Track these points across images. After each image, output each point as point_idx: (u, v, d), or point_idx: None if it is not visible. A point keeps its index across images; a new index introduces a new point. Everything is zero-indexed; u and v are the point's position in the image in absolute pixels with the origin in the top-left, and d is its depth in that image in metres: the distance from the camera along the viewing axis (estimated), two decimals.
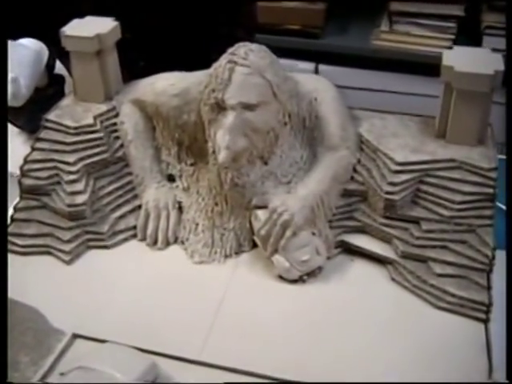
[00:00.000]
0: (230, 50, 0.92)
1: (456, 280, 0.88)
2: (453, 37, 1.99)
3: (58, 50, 1.10)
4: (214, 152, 0.94)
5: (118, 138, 1.03)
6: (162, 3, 1.26)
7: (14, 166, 1.01)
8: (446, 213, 0.90)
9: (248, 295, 0.91)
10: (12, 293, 0.87)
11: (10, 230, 0.99)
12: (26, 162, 1.01)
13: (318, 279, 0.93)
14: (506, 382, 0.74)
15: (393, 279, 0.92)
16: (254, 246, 0.97)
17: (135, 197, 1.03)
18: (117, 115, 1.04)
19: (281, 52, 0.96)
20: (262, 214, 0.93)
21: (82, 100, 1.05)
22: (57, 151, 1.00)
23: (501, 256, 0.87)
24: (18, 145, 1.23)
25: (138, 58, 1.28)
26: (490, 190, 0.89)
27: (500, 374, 0.77)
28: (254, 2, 1.53)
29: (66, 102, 1.07)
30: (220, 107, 0.91)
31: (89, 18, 1.05)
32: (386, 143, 0.95)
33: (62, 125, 1.01)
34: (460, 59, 0.92)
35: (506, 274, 0.82)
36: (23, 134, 1.29)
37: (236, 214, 0.97)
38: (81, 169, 0.99)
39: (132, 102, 1.04)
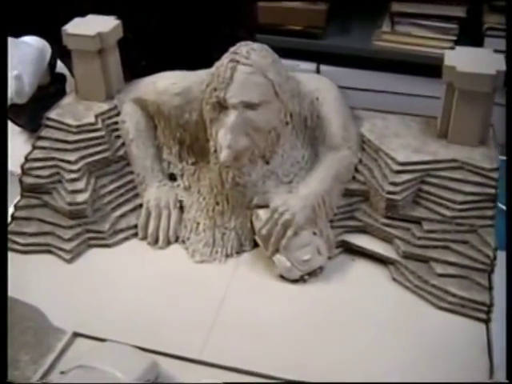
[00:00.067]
0: (232, 49, 0.92)
1: (457, 280, 0.88)
2: (454, 38, 1.99)
3: (59, 49, 1.10)
4: (215, 151, 0.94)
5: (119, 136, 1.03)
6: (163, 3, 1.26)
7: (15, 165, 1.01)
8: (447, 213, 0.90)
9: (249, 295, 0.91)
10: (12, 291, 0.87)
11: (10, 228, 0.99)
12: (27, 160, 1.00)
13: (319, 279, 0.93)
14: (506, 381, 0.74)
15: (394, 279, 0.92)
16: (255, 245, 0.97)
17: (136, 196, 1.03)
18: (118, 114, 1.04)
19: (282, 52, 0.96)
20: (263, 214, 0.93)
21: (84, 99, 1.05)
22: (58, 150, 1.00)
23: (501, 257, 0.87)
24: (19, 144, 1.23)
25: (139, 57, 1.28)
26: (492, 191, 0.89)
27: (501, 374, 0.77)
28: (254, 2, 1.53)
29: (67, 100, 1.07)
30: (222, 106, 0.91)
31: (90, 17, 1.05)
32: (388, 143, 0.95)
33: (63, 123, 1.01)
34: (462, 59, 0.92)
35: (505, 274, 0.82)
36: (24, 133, 1.29)
37: (237, 214, 0.97)
38: (82, 167, 0.99)
39: (133, 101, 1.04)
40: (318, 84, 0.98)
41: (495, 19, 1.94)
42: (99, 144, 1.00)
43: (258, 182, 0.95)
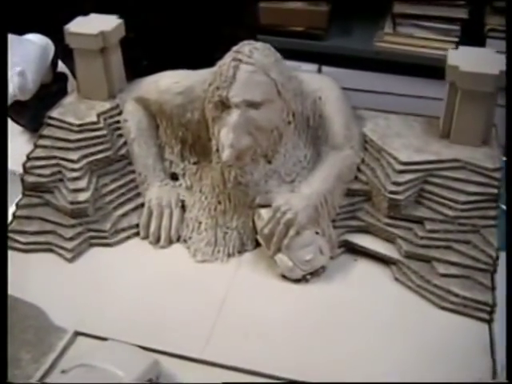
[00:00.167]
0: (235, 48, 0.92)
1: (460, 280, 0.88)
2: (456, 39, 1.98)
3: (61, 49, 1.10)
4: (217, 150, 0.94)
5: (121, 135, 1.03)
6: (164, 2, 1.26)
7: (16, 164, 1.01)
8: (450, 213, 0.90)
9: (251, 294, 0.91)
10: (14, 290, 0.86)
11: (12, 227, 0.99)
12: (28, 159, 1.00)
13: (322, 279, 0.93)
14: (506, 381, 0.74)
15: (396, 279, 0.92)
16: (257, 244, 0.97)
17: (138, 195, 1.03)
18: (120, 113, 1.04)
19: (284, 53, 0.96)
20: (265, 213, 0.93)
21: (86, 98, 1.05)
22: (60, 148, 1.00)
23: (501, 257, 0.87)
24: (20, 143, 1.23)
25: (140, 57, 1.27)
26: (495, 191, 0.89)
27: (504, 374, 0.77)
28: (255, 3, 1.53)
29: (69, 99, 1.07)
30: (224, 105, 0.91)
31: (93, 16, 1.05)
32: (390, 143, 0.95)
33: (65, 122, 1.01)
34: (465, 59, 0.92)
35: (505, 273, 0.82)
36: (26, 133, 1.28)
37: (239, 213, 0.97)
38: (84, 166, 0.99)
39: (135, 100, 1.04)
40: (321, 83, 0.98)
41: (497, 21, 1.93)
42: (101, 143, 1.00)
43: (260, 182, 0.95)
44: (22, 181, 1.01)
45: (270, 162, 0.95)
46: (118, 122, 1.03)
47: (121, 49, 1.06)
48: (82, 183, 0.98)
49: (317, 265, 0.92)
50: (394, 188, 0.91)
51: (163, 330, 0.85)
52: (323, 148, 0.97)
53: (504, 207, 0.98)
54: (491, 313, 0.85)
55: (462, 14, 1.99)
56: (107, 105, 1.04)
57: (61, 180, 0.99)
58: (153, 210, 1.00)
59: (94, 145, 1.00)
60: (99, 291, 0.91)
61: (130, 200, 1.02)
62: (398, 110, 1.04)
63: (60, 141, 1.00)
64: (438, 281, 0.88)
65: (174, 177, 1.04)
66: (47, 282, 0.94)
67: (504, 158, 0.95)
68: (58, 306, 0.88)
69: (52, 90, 1.14)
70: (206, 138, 0.99)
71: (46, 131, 1.02)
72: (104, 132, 1.00)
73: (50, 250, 0.98)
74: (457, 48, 0.99)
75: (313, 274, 0.92)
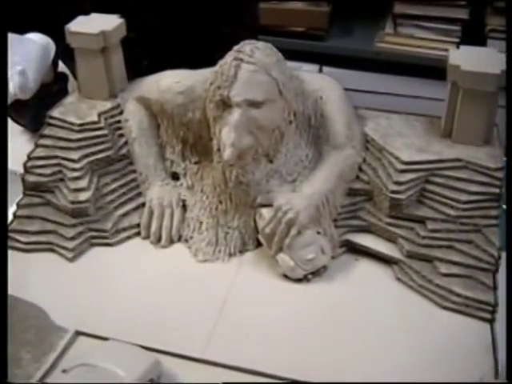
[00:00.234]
0: (236, 48, 0.91)
1: (462, 280, 0.88)
2: (457, 40, 1.98)
3: (62, 49, 1.10)
4: (218, 150, 0.94)
5: (122, 135, 1.03)
6: (165, 2, 1.26)
7: (17, 164, 1.01)
8: (451, 212, 0.90)
9: (252, 294, 0.91)
10: (14, 290, 0.86)
11: (12, 226, 0.99)
12: (29, 158, 1.00)
13: (323, 278, 0.93)
14: (506, 381, 0.74)
15: (398, 279, 0.92)
16: (259, 244, 0.96)
17: (139, 194, 1.03)
18: (121, 113, 1.04)
19: (284, 54, 0.96)
20: (266, 213, 0.93)
21: (87, 97, 1.05)
22: (61, 148, 1.00)
23: (502, 257, 0.87)
24: (21, 143, 1.23)
25: (141, 57, 1.27)
26: (496, 190, 0.89)
27: (506, 374, 0.76)
28: (256, 3, 1.53)
29: (70, 99, 1.06)
30: (225, 104, 0.91)
31: (94, 15, 1.05)
32: (392, 142, 0.94)
33: (66, 122, 1.01)
34: (466, 58, 0.92)
35: (505, 273, 0.82)
36: (26, 133, 1.28)
37: (240, 213, 0.96)
38: (85, 166, 0.98)
39: (136, 100, 1.04)
40: (322, 83, 0.98)
41: (498, 21, 1.93)
42: (102, 142, 1.00)
43: (261, 181, 0.95)
44: (23, 180, 1.00)
45: (271, 162, 0.95)
46: (119, 121, 1.03)
47: (122, 48, 1.06)
48: (83, 183, 0.98)
49: (318, 264, 0.92)
50: (395, 187, 0.91)
51: (164, 329, 0.85)
52: (325, 147, 0.96)
53: (503, 206, 0.98)
54: (493, 312, 0.85)
55: (462, 14, 1.99)
56: (108, 104, 1.03)
57: (62, 179, 0.99)
58: (154, 210, 1.00)
59: (95, 144, 1.00)
60: (100, 291, 0.91)
61: (130, 200, 1.02)
62: (398, 111, 1.04)
63: (61, 140, 1.00)
64: (439, 280, 0.88)
65: (175, 176, 1.04)
66: (48, 281, 0.93)
67: (505, 158, 0.95)
68: (59, 305, 0.88)
69: (53, 89, 1.14)
70: (207, 137, 0.99)
71: (46, 131, 1.01)
72: (105, 131, 1.00)
73: (51, 250, 0.98)
74: (458, 48, 0.99)
75: (314, 274, 0.92)
